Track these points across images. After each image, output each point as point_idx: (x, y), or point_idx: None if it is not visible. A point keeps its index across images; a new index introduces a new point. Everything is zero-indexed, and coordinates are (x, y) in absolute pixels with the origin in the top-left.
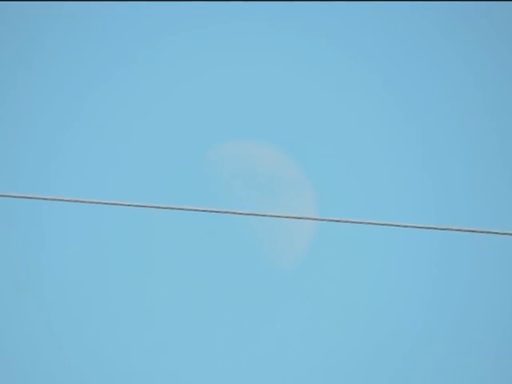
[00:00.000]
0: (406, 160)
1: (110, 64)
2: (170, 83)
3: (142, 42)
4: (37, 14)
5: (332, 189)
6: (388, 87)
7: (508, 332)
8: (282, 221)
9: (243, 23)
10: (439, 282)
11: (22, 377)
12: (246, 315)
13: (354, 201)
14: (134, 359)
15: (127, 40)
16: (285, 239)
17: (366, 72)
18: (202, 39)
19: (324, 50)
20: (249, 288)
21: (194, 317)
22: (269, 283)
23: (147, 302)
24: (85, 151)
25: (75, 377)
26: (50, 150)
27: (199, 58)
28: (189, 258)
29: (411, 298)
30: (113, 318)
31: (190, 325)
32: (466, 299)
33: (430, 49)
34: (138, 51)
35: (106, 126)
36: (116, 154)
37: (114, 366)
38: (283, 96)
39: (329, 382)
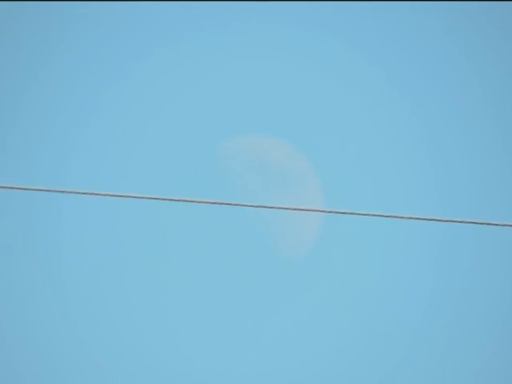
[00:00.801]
0: (411, 153)
1: (122, 61)
2: (183, 80)
3: (152, 40)
4: (49, 13)
5: (339, 181)
6: (393, 82)
7: (509, 321)
8: (290, 213)
9: (250, 22)
10: (443, 272)
11: (37, 362)
12: (255, 304)
13: (360, 193)
14: (148, 348)
15: (137, 37)
16: (293, 231)
17: (371, 68)
18: (212, 37)
19: (330, 47)
20: (258, 278)
21: (204, 306)
22: (277, 273)
23: (160, 291)
24: (101, 146)
25: (88, 361)
26: (66, 144)
27: (209, 55)
28: (200, 248)
29: (416, 289)
30: (127, 307)
31: (201, 314)
32: (469, 289)
33: (433, 45)
34: (149, 49)
35: (121, 122)
36: (130, 148)
37: (129, 354)
38: (291, 91)
39: (335, 371)
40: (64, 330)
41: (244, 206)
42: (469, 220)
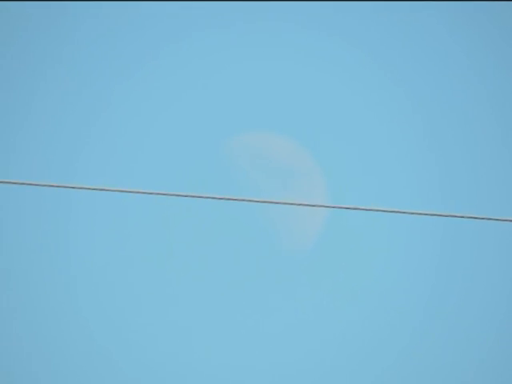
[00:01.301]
0: (413, 150)
1: (129, 60)
2: (190, 79)
3: (157, 39)
4: (62, 13)
5: (342, 177)
6: (395, 80)
7: (510, 315)
8: (294, 208)
9: (255, 21)
10: (446, 267)
11: (47, 353)
12: (260, 298)
13: (364, 189)
14: (156, 340)
15: (143, 36)
16: (297, 225)
17: (374, 66)
18: (217, 36)
19: (333, 46)
20: (263, 272)
21: (210, 300)
22: (282, 267)
23: (167, 285)
24: (109, 143)
25: (95, 353)
26: (75, 141)
27: (215, 54)
28: (206, 243)
29: (419, 283)
30: (136, 300)
31: (207, 307)
32: (471, 283)
33: (435, 44)
34: (155, 48)
35: (129, 120)
36: (138, 145)
37: (137, 345)
38: (296, 90)
39: (338, 364)
40: (72, 325)
41: (249, 201)
42: (470, 215)
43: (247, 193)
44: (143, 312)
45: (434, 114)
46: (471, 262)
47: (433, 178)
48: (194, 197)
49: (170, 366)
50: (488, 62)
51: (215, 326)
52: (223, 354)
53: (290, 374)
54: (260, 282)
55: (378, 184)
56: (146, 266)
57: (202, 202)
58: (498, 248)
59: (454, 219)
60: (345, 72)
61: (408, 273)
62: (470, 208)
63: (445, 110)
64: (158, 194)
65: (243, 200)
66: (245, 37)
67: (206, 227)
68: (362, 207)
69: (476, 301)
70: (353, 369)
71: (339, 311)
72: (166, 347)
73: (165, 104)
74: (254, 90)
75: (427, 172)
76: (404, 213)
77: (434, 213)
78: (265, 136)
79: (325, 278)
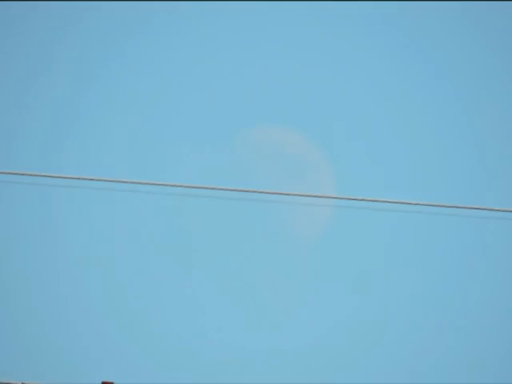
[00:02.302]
0: (418, 145)
1: (144, 53)
2: (204, 74)
3: (172, 37)
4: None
5: (350, 170)
6: (400, 76)
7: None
8: (305, 199)
9: (264, 19)
10: (449, 255)
11: (64, 344)
12: (273, 281)
13: (370, 181)
14: (172, 328)
15: (157, 35)
16: (307, 216)
17: (379, 63)
18: (229, 35)
19: (338, 44)
20: (274, 260)
21: (226, 282)
22: (292, 254)
23: (185, 273)
24: (126, 137)
25: (112, 344)
26: (92, 134)
27: (227, 52)
28: (219, 232)
29: (423, 273)
30: (155, 287)
31: (218, 293)
32: (474, 270)
33: (436, 42)
34: (171, 45)
35: (144, 114)
36: (154, 138)
37: (150, 336)
38: (307, 86)
39: (343, 351)
40: (86, 318)
41: (260, 192)
42: (469, 206)
43: (258, 184)
44: (160, 300)
45: (437, 110)
46: (476, 252)
47: (438, 171)
48: (207, 188)
49: (188, 350)
50: (489, 60)
51: (226, 314)
52: (234, 339)
53: (297, 359)
54: (270, 271)
55: (384, 177)
56: (160, 256)
57: (216, 193)
58: (501, 239)
59: (458, 209)
60: (351, 69)
61: (414, 263)
62: (474, 200)
63: (447, 106)
64: (174, 185)
65: (254, 191)
66: (254, 35)
67: (218, 218)
68: (369, 198)
69: (479, 292)
70: (357, 357)
71: (347, 300)
72: (182, 334)
73: (178, 99)
74: (264, 86)
75: (433, 165)
76: (409, 204)
77: (439, 204)
78: (275, 130)
79: (333, 267)
